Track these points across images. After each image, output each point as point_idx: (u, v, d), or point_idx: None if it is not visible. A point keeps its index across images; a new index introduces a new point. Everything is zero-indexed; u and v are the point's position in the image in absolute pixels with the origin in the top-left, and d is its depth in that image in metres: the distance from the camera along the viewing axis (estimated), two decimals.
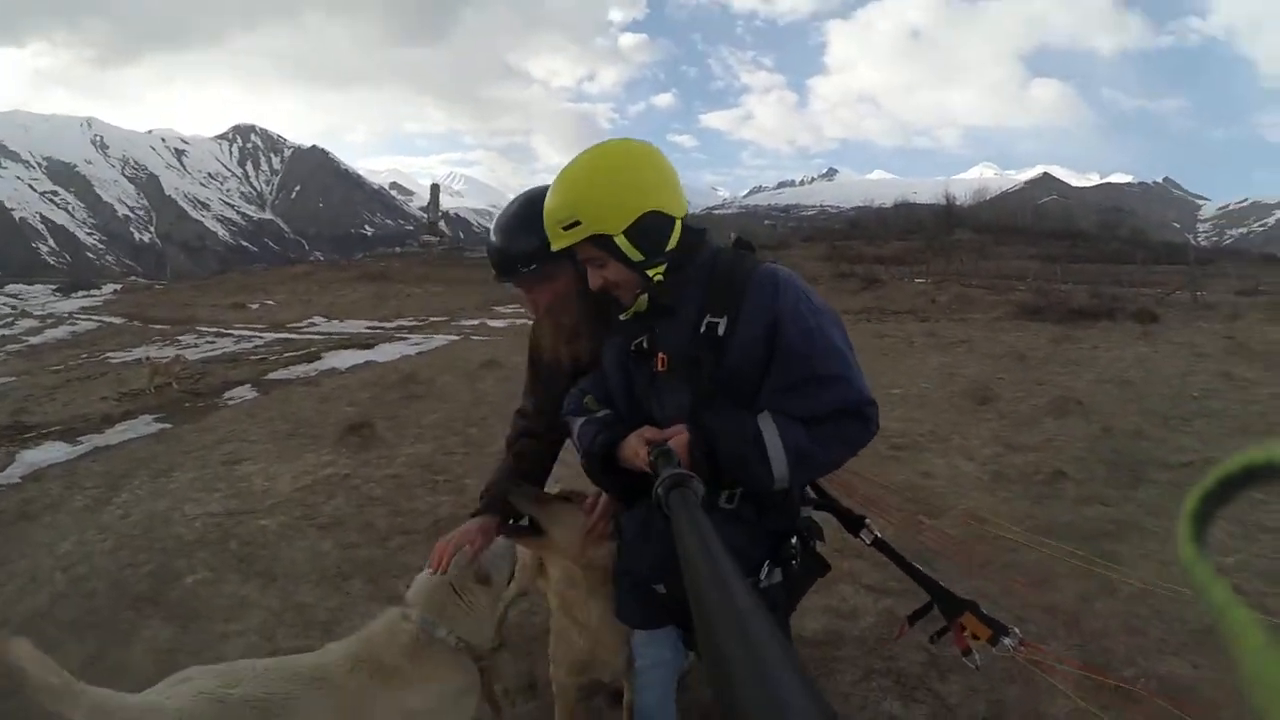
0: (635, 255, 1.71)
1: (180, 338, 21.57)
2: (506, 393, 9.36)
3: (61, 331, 27.22)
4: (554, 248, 1.77)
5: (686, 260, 1.78)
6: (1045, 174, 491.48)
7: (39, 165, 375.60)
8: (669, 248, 1.74)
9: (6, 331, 29.02)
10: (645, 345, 1.83)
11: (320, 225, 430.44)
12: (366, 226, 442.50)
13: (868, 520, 2.36)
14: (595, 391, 2.02)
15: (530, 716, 3.05)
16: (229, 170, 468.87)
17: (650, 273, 1.75)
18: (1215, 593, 0.42)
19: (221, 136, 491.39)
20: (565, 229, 1.71)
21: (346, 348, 16.74)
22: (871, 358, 12.10)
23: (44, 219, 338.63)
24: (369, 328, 23.10)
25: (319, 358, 15.25)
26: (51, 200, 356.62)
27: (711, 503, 1.76)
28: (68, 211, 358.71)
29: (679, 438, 1.68)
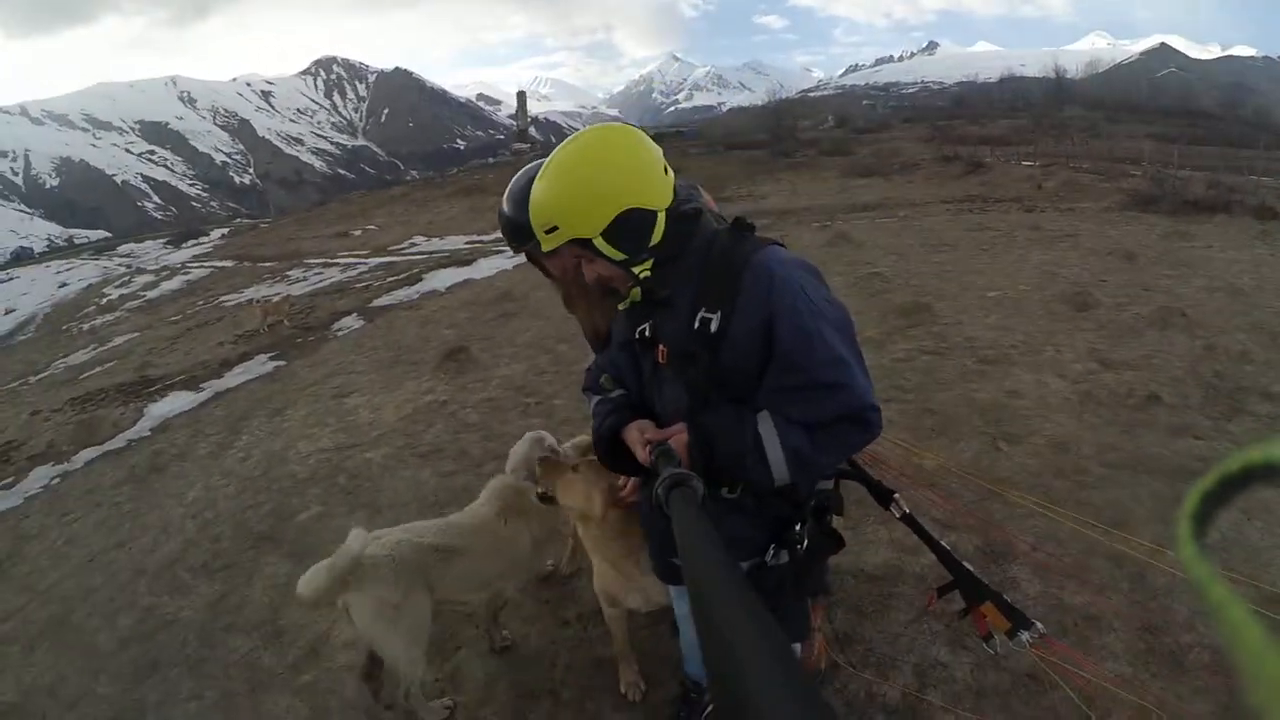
0: (616, 255, 1.66)
1: (289, 273, 22.40)
2: None
3: (176, 282, 28.54)
4: (543, 249, 1.75)
5: (678, 250, 1.71)
6: (1163, 44, 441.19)
7: (133, 130, 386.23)
8: (652, 243, 1.67)
9: (124, 290, 30.65)
10: (647, 334, 1.81)
11: (412, 145, 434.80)
12: (458, 140, 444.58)
13: (897, 495, 2.31)
14: (611, 369, 2.01)
15: (600, 639, 3.19)
16: (317, 103, 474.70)
17: (636, 270, 1.70)
18: (1214, 592, 0.42)
19: (305, 72, 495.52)
20: (546, 233, 1.68)
21: (446, 266, 17.07)
22: (970, 254, 11.64)
23: (145, 178, 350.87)
24: (468, 243, 23.44)
25: (420, 280, 15.68)
26: (150, 160, 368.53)
27: (713, 493, 1.74)
28: (167, 167, 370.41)
29: (679, 438, 1.67)
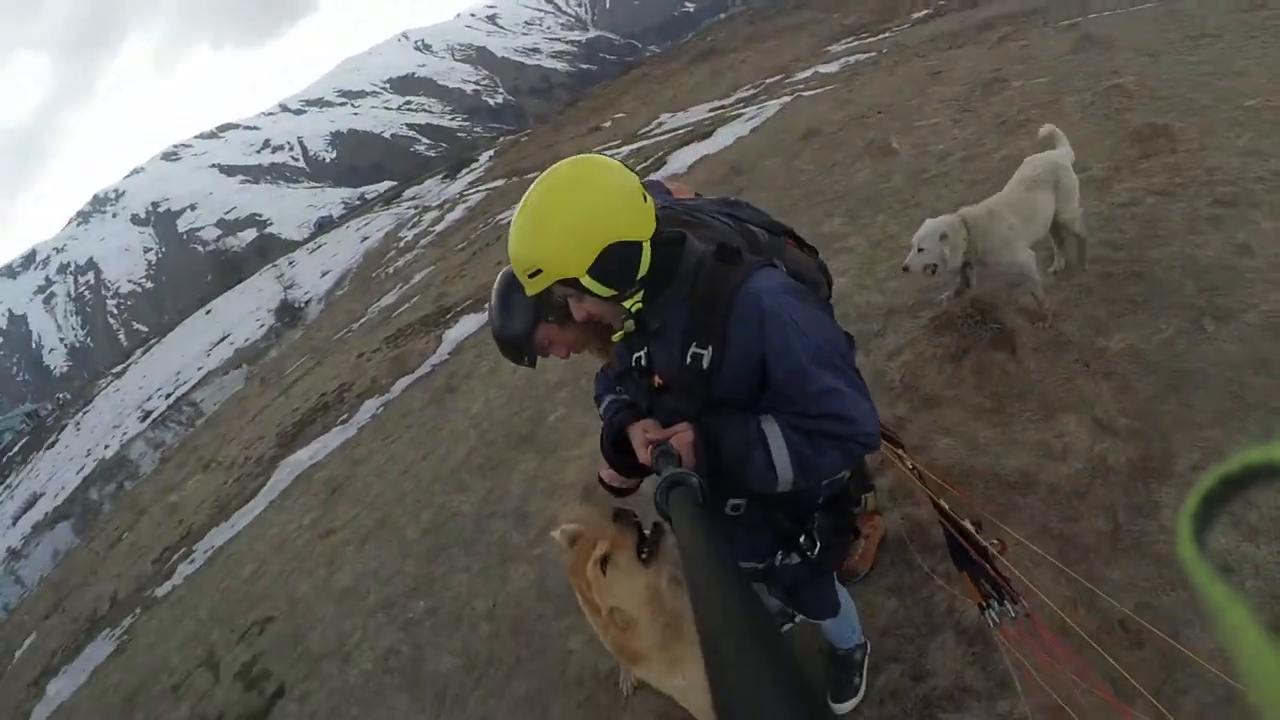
0: (605, 291, 1.63)
1: None
2: (820, 168, 9.48)
3: (458, 212, 30.67)
4: (528, 293, 1.71)
5: (667, 278, 1.68)
6: None
7: (384, 89, 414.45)
8: (641, 274, 1.64)
9: (417, 229, 33.31)
10: (643, 363, 1.80)
11: (644, 20, 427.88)
12: (687, 4, 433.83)
13: (902, 449, 2.30)
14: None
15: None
16: (541, 11, 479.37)
17: (627, 304, 1.68)
18: (1214, 592, 0.41)
19: None
20: (530, 277, 1.64)
21: (687, 144, 17.30)
22: (1236, 44, 8.52)
23: (410, 125, 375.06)
24: (710, 111, 23.42)
25: (664, 163, 16.13)
26: (409, 109, 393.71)
27: (717, 509, 1.83)
28: (425, 110, 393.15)
29: (682, 436, 1.66)
